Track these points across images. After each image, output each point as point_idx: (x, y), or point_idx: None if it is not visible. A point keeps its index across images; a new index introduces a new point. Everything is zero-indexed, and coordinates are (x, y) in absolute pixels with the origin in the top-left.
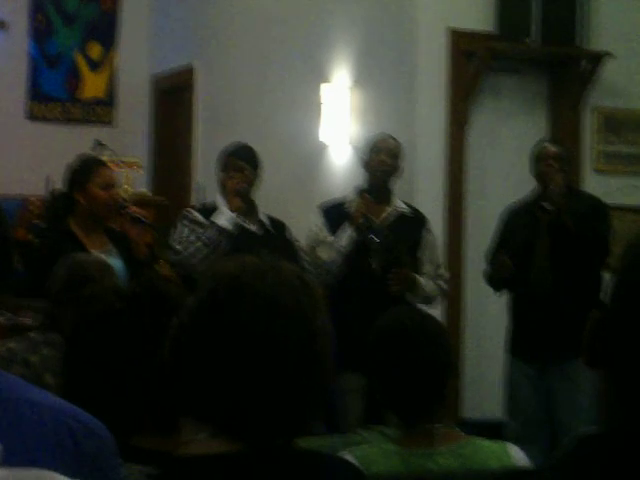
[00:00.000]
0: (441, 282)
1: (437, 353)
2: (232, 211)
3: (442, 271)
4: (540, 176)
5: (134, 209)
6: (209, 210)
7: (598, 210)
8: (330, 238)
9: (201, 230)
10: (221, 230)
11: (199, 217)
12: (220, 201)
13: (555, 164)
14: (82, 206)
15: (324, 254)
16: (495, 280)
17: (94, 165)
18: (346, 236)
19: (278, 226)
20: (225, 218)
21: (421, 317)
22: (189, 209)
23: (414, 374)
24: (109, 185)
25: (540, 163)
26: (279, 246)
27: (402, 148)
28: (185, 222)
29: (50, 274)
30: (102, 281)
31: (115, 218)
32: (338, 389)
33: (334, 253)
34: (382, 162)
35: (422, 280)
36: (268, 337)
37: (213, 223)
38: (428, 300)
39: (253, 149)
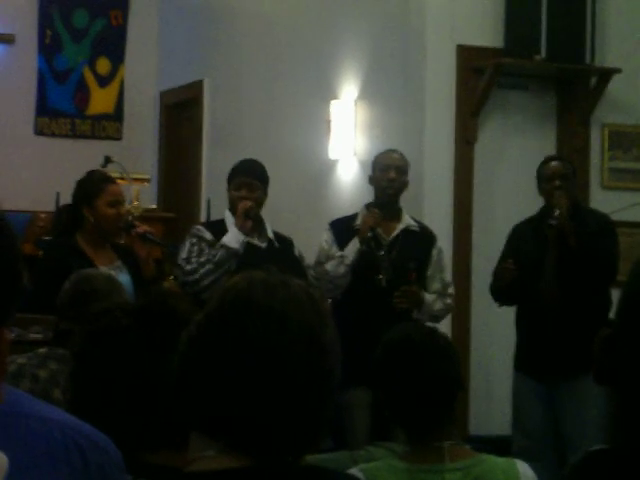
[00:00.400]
0: (448, 300)
1: (445, 368)
2: (241, 232)
3: (450, 290)
4: (546, 196)
5: (143, 227)
6: (217, 227)
7: (605, 227)
8: (339, 253)
9: (212, 251)
10: (231, 252)
11: (208, 235)
12: (229, 219)
13: (561, 183)
14: (89, 222)
15: (333, 268)
16: (498, 288)
17: (102, 182)
18: (354, 250)
19: (285, 242)
20: (235, 241)
21: (429, 332)
22: (198, 227)
23: (422, 389)
24: (117, 202)
25: (546, 183)
26: (286, 262)
27: (408, 162)
28: (194, 240)
29: (57, 289)
30: (110, 296)
31: (122, 235)
32: (345, 404)
33: (343, 268)
34: (390, 180)
35: (429, 298)
36: (277, 353)
37: (224, 246)
38: (435, 319)
39: (263, 165)
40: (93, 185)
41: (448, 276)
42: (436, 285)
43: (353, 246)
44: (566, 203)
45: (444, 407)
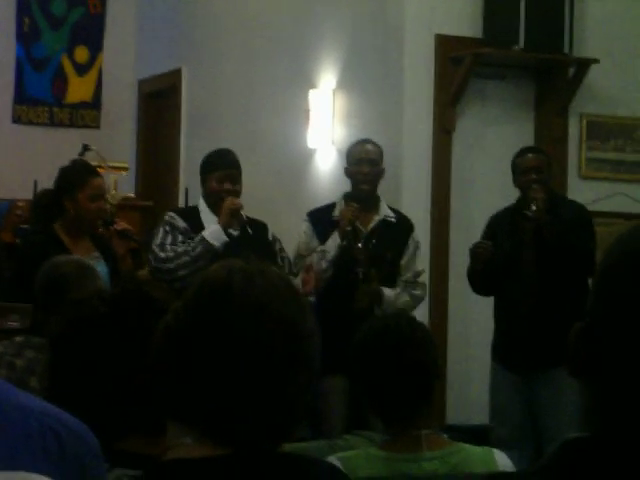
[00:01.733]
0: (417, 291)
1: (423, 357)
2: (223, 227)
3: (421, 279)
4: (522, 188)
5: (121, 224)
6: (190, 215)
7: (581, 219)
8: (320, 247)
9: (192, 244)
10: (211, 249)
11: (181, 223)
12: (204, 208)
13: (537, 176)
14: (69, 213)
15: (315, 264)
16: (474, 271)
17: (86, 174)
18: (335, 245)
19: (258, 227)
20: (217, 239)
21: (406, 320)
22: (171, 214)
23: (399, 378)
24: (99, 196)
25: (521, 175)
26: (259, 248)
27: (381, 149)
28: (167, 228)
29: (33, 276)
30: (80, 281)
31: (100, 229)
32: (321, 392)
33: (324, 263)
34: (364, 174)
35: (390, 294)
36: (255, 341)
37: (205, 240)
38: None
39: (236, 154)
40: (76, 177)
41: (420, 265)
42: (407, 274)
43: (333, 241)
44: (542, 197)
45: (421, 396)
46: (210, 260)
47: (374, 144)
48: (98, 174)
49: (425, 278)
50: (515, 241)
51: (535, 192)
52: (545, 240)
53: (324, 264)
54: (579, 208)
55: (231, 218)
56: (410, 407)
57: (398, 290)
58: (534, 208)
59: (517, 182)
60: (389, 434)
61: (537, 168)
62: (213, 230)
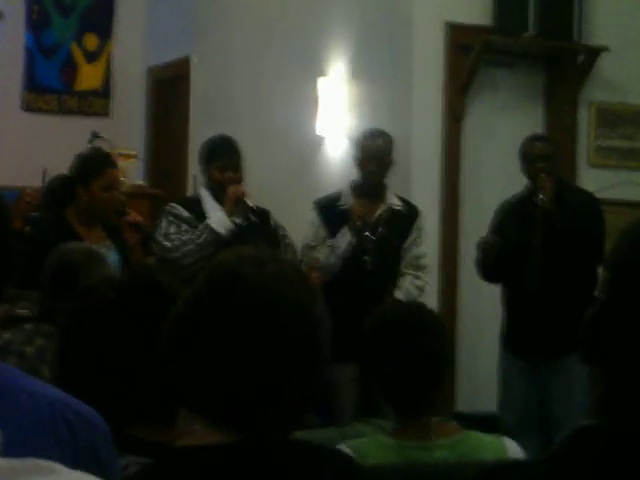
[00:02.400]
0: (418, 282)
1: (432, 344)
2: (228, 215)
3: (423, 261)
4: (530, 177)
5: (133, 216)
6: (192, 205)
7: (590, 207)
8: (330, 242)
9: (197, 232)
10: (217, 237)
11: (184, 213)
12: (207, 198)
13: (544, 165)
14: (81, 200)
15: (324, 258)
16: (484, 265)
17: (104, 165)
18: (346, 241)
19: (262, 215)
20: (223, 226)
21: (416, 308)
22: (173, 204)
23: (409, 365)
24: (113, 187)
25: (529, 164)
26: (265, 235)
27: (392, 140)
28: (170, 218)
29: (43, 264)
30: (89, 268)
31: (111, 219)
32: (333, 380)
33: (333, 258)
34: (372, 171)
35: (401, 295)
36: (265, 328)
37: (210, 228)
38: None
39: (234, 140)
40: (94, 166)
41: (423, 249)
42: (408, 258)
43: (343, 236)
44: (550, 187)
45: (432, 383)
46: (216, 248)
47: (385, 138)
48: (115, 165)
49: (430, 262)
50: (523, 229)
51: (543, 181)
52: (554, 229)
53: (333, 259)
54: (588, 196)
55: (235, 205)
56: (420, 394)
57: (404, 290)
58: (542, 197)
59: (525, 170)
60: (399, 422)
61: (545, 156)
62: (218, 218)
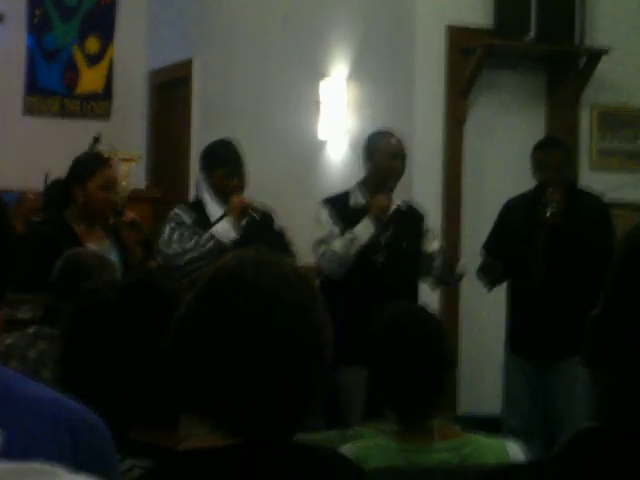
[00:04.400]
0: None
1: (434, 347)
2: (233, 225)
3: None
4: (541, 183)
5: (130, 215)
6: (196, 210)
7: (600, 215)
8: (350, 234)
9: (202, 240)
10: (221, 247)
11: (187, 219)
12: (210, 203)
13: (555, 174)
14: (77, 201)
15: (343, 250)
16: (484, 282)
17: (98, 165)
18: (368, 233)
19: (265, 217)
20: (227, 237)
21: (418, 311)
22: (176, 211)
23: (411, 368)
24: (109, 187)
25: (540, 173)
26: (268, 237)
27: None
28: (173, 225)
29: (47, 268)
30: (101, 274)
31: (110, 220)
32: (340, 383)
33: (354, 249)
34: (397, 170)
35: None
36: (267, 331)
37: (215, 238)
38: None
39: (237, 145)
40: (88, 166)
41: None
42: (434, 246)
43: (365, 228)
44: (559, 199)
45: (434, 386)
46: (218, 255)
47: (397, 137)
48: (110, 165)
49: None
50: (527, 228)
51: (551, 195)
52: (562, 241)
53: (353, 250)
54: (598, 203)
55: (241, 216)
56: (422, 397)
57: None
58: (550, 211)
59: (537, 177)
60: (401, 424)
61: (556, 166)
62: (223, 227)
